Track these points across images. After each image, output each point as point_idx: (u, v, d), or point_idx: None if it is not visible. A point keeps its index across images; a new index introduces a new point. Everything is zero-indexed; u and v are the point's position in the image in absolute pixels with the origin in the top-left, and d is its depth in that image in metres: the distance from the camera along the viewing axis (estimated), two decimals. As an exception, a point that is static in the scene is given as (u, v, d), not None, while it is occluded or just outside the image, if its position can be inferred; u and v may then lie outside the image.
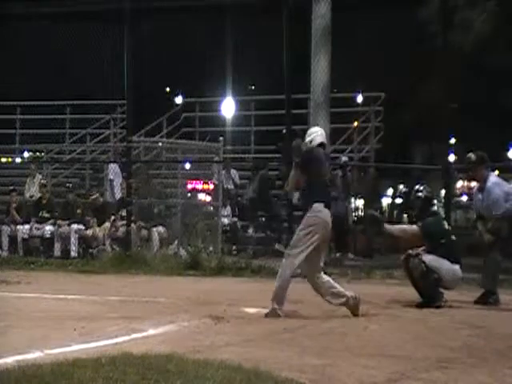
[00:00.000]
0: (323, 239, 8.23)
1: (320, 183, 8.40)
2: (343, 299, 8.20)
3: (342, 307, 8.51)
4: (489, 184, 9.55)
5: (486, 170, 9.73)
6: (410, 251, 9.17)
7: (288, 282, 8.17)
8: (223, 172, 16.07)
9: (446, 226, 9.66)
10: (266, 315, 8.09)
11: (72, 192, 16.00)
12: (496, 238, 9.29)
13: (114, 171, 16.67)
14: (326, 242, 8.40)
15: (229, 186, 17.00)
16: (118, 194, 16.04)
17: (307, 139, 8.61)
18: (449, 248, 9.18)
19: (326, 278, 8.28)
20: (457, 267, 9.13)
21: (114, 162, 17.09)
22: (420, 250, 9.18)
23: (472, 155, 9.76)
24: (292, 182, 8.57)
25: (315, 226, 8.14)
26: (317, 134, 8.70)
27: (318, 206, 8.20)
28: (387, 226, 9.73)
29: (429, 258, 8.98)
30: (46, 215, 15.59)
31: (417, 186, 9.69)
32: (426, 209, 9.51)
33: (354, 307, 8.20)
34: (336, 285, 8.32)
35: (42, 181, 16.96)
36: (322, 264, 8.32)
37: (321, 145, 8.59)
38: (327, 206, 8.29)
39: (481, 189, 9.68)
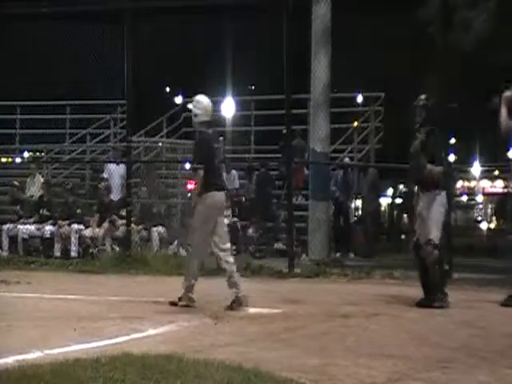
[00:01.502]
0: (215, 222, 8.63)
1: (210, 169, 8.56)
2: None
3: (347, 306, 8.73)
4: None
5: None
6: (416, 239, 9.05)
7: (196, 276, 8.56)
8: (224, 172, 16.06)
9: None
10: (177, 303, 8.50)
11: (71, 191, 15.94)
12: None
13: (109, 171, 16.68)
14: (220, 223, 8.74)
15: (229, 187, 17.00)
16: (117, 195, 16.00)
17: (194, 110, 8.69)
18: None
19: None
20: (443, 196, 9.06)
21: (114, 162, 17.08)
22: (415, 226, 9.07)
23: None
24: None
25: (207, 213, 8.52)
26: (203, 107, 8.74)
27: (208, 195, 8.50)
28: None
29: (434, 235, 8.85)
30: (47, 213, 15.62)
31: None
32: (429, 119, 9.22)
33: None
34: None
35: (41, 179, 17.03)
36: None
37: (204, 123, 8.73)
38: (218, 189, 8.64)
39: None
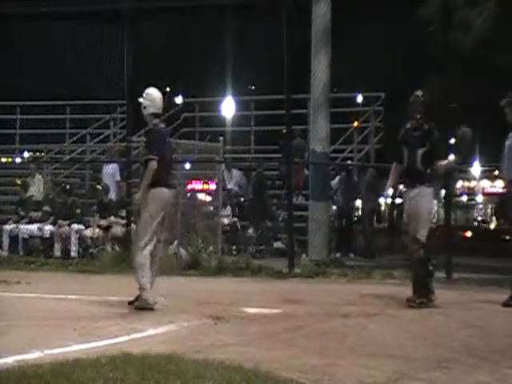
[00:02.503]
0: (163, 218, 8.51)
1: (162, 164, 8.43)
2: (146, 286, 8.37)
3: (347, 306, 8.71)
4: None
5: None
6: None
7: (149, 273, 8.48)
8: (224, 172, 16.07)
9: None
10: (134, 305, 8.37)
11: (68, 192, 15.93)
12: None
13: (106, 172, 16.67)
14: (165, 219, 8.60)
15: (229, 186, 17.01)
16: (113, 195, 15.98)
17: (143, 102, 8.72)
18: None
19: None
20: (432, 192, 8.97)
21: (114, 161, 17.07)
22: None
23: None
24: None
25: (155, 210, 8.37)
26: (152, 98, 8.74)
27: (156, 190, 8.38)
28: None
29: (420, 233, 8.78)
30: (49, 210, 15.65)
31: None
32: (429, 115, 9.07)
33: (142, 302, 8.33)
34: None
35: (41, 178, 17.07)
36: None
37: (155, 115, 8.73)
38: (167, 186, 8.56)
39: None
